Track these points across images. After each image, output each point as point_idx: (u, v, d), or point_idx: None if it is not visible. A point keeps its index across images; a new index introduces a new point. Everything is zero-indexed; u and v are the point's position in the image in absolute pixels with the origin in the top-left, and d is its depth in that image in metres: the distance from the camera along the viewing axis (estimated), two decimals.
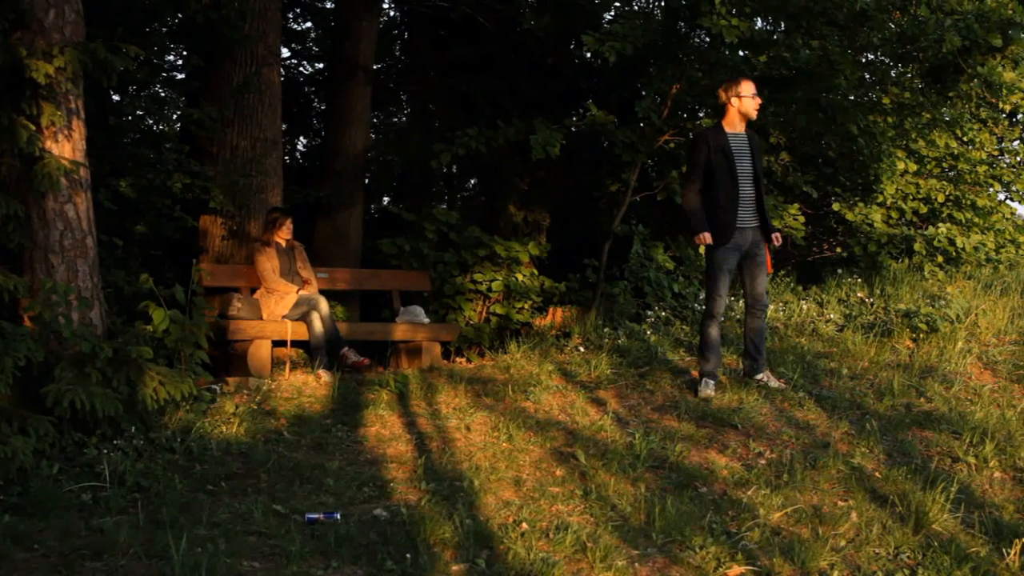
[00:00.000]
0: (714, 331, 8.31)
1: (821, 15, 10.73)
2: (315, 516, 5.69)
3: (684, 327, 10.38)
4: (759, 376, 8.45)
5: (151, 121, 11.57)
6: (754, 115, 8.24)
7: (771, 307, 10.76)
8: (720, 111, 8.48)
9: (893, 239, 13.12)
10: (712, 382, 8.28)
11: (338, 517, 5.69)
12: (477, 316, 11.62)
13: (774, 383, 8.41)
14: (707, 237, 8.16)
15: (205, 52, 10.55)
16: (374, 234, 12.56)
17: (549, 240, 13.45)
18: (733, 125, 8.23)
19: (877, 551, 5.65)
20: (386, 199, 18.09)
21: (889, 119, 12.83)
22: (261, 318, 9.41)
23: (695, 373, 8.61)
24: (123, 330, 7.35)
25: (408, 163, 14.57)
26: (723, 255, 8.18)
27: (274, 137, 10.73)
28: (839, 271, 12.69)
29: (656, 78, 11.88)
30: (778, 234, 8.41)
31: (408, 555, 5.14)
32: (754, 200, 8.18)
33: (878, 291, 11.35)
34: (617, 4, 13.05)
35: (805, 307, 10.77)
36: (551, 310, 11.83)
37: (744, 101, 8.18)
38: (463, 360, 10.86)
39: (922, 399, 8.34)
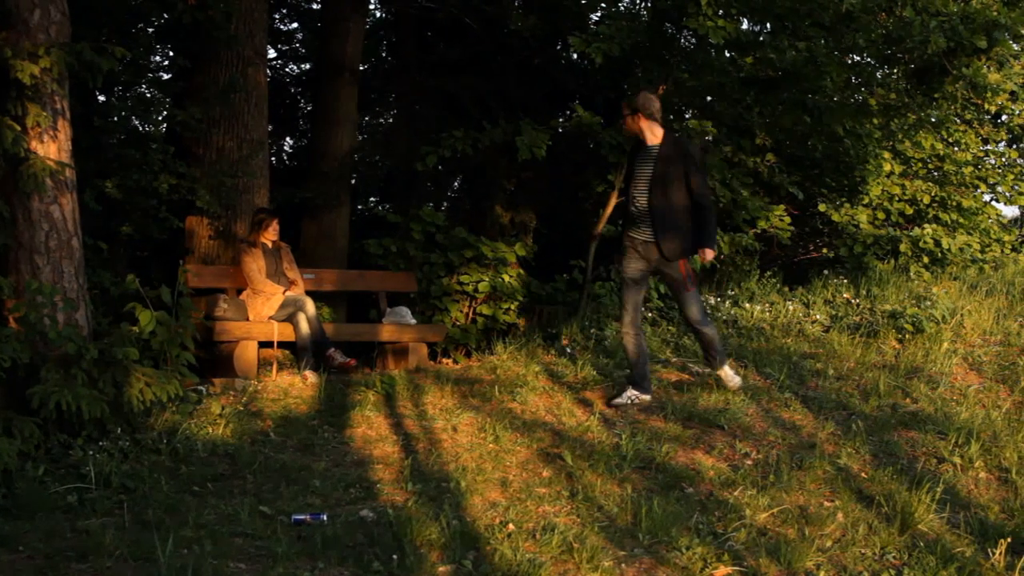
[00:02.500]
0: (627, 342, 8.04)
1: (807, 16, 10.75)
2: (302, 517, 5.69)
3: (671, 327, 10.40)
4: (718, 372, 8.31)
5: (137, 122, 11.51)
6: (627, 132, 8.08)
7: (758, 308, 10.77)
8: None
9: (879, 240, 13.17)
10: (636, 393, 8.07)
11: (324, 518, 5.69)
12: (464, 317, 11.62)
13: (733, 381, 8.30)
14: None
15: (191, 53, 10.52)
16: (360, 235, 12.54)
17: (535, 241, 13.45)
18: (645, 136, 7.92)
19: (863, 551, 5.67)
20: (372, 200, 18.07)
21: (875, 120, 12.86)
22: (247, 319, 9.40)
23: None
24: (109, 331, 7.33)
25: (394, 164, 14.55)
26: (624, 263, 8.07)
27: (260, 138, 10.71)
28: (825, 272, 12.73)
29: (643, 79, 11.89)
30: (707, 250, 7.85)
31: (394, 556, 5.14)
32: (648, 214, 7.84)
33: (864, 292, 11.38)
34: (603, 5, 13.06)
35: (791, 308, 10.80)
36: (537, 311, 11.83)
37: None
38: (449, 361, 10.87)
39: (908, 400, 8.36)
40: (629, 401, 8.02)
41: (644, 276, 8.05)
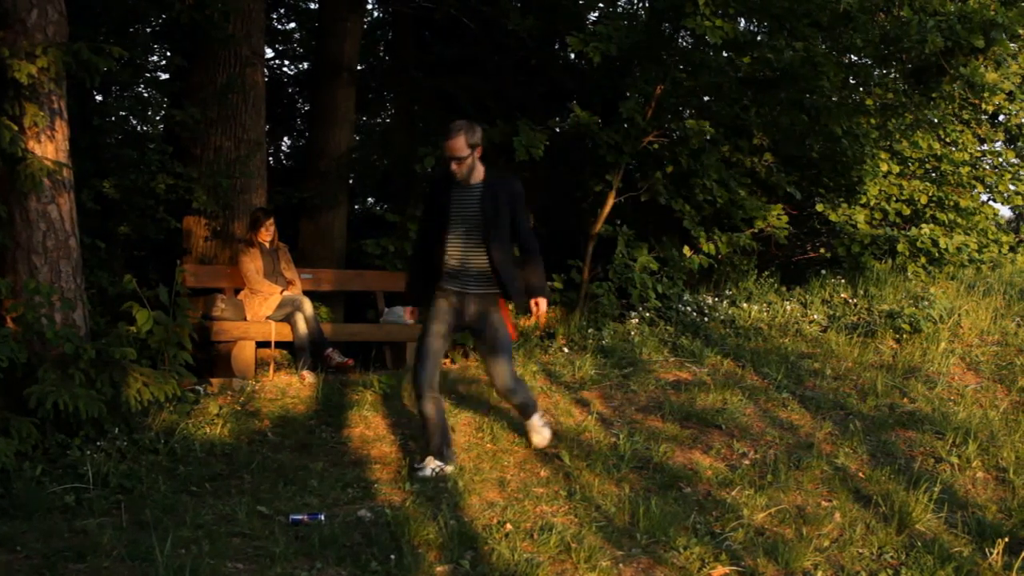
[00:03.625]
0: (427, 408, 6.75)
1: (804, 16, 10.76)
2: (299, 517, 5.68)
3: (668, 328, 10.40)
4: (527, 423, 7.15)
5: (134, 122, 11.52)
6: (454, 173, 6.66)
7: (755, 307, 10.76)
8: None
9: (876, 240, 13.17)
10: (440, 464, 6.70)
11: (322, 518, 5.69)
12: None
13: (541, 435, 7.14)
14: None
15: (189, 53, 10.53)
16: (358, 235, 12.53)
17: None
18: (473, 174, 6.74)
19: (861, 551, 5.67)
20: (370, 200, 18.07)
21: (872, 120, 12.87)
22: (245, 319, 9.39)
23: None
24: (106, 331, 7.33)
25: (392, 164, 14.54)
26: (428, 316, 6.87)
27: (258, 138, 10.71)
28: (823, 272, 12.73)
29: (640, 79, 11.88)
30: (541, 300, 6.76)
31: (392, 556, 5.14)
32: (463, 263, 6.74)
33: (861, 292, 11.38)
34: (601, 5, 13.07)
35: (789, 308, 10.80)
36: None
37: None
38: (447, 361, 10.85)
39: (905, 399, 8.37)
40: (433, 473, 6.63)
41: (448, 333, 6.86)
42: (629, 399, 8.35)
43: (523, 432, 7.45)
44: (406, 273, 6.81)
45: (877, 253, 13.16)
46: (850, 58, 12.29)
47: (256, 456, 6.87)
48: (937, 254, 13.00)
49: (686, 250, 12.04)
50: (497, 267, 6.69)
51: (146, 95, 12.54)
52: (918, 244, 12.99)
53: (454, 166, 6.61)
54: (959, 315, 10.27)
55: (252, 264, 9.50)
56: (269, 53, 16.25)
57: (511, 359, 6.92)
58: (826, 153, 13.20)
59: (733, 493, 6.41)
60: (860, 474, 6.84)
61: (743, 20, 11.68)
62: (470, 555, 5.25)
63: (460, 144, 6.58)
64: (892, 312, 10.08)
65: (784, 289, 11.91)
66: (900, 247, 12.97)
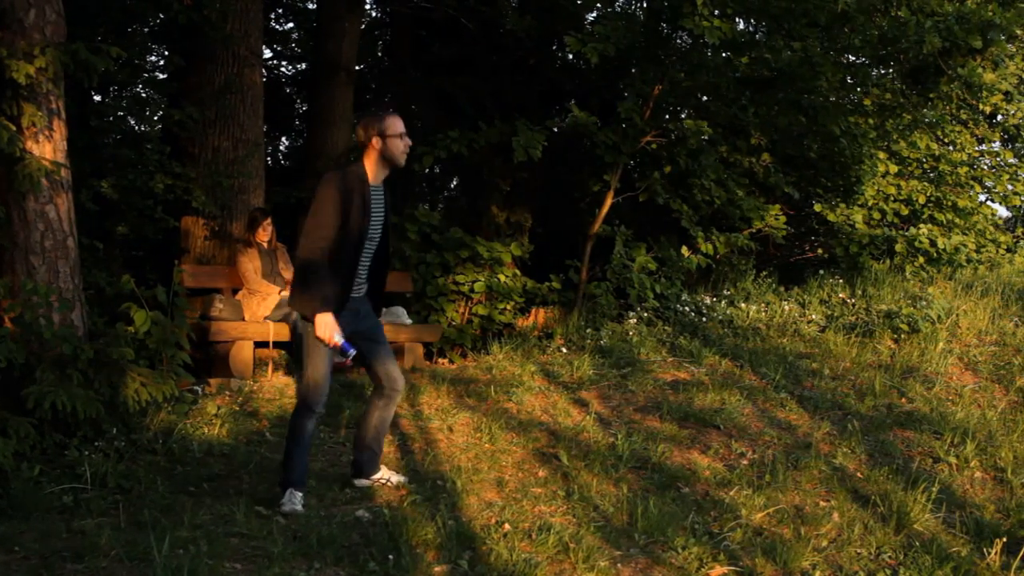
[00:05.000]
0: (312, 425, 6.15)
1: (802, 16, 10.77)
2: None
3: (666, 328, 10.40)
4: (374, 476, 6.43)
5: (132, 122, 11.50)
6: (402, 161, 5.99)
7: (754, 307, 10.77)
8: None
9: (875, 240, 13.19)
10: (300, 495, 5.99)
11: (352, 352, 5.81)
12: (459, 317, 11.61)
13: (395, 479, 6.42)
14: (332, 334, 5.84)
15: (187, 53, 10.51)
16: None
17: (531, 241, 13.46)
18: (373, 173, 5.99)
19: (859, 551, 5.67)
20: None
21: (870, 120, 12.88)
22: (243, 319, 9.39)
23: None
24: (105, 331, 7.31)
25: None
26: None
27: (256, 138, 10.69)
28: (821, 272, 12.74)
29: (638, 79, 11.89)
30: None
31: (391, 556, 5.13)
32: (368, 267, 6.12)
33: (860, 292, 11.39)
34: (599, 5, 13.07)
35: (787, 308, 10.80)
36: (533, 311, 11.84)
37: (391, 141, 5.89)
38: (445, 361, 10.86)
39: (903, 399, 8.37)
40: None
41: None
42: (627, 399, 8.35)
43: (521, 432, 7.46)
44: (325, 282, 5.80)
45: (875, 253, 13.18)
46: (848, 58, 12.30)
47: (254, 456, 6.86)
48: (935, 254, 13.02)
49: (684, 250, 12.05)
50: (375, 271, 6.17)
51: (144, 95, 12.52)
52: (916, 244, 13.01)
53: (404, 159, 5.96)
54: (957, 315, 10.28)
55: (250, 264, 9.49)
56: (267, 53, 16.26)
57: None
58: (824, 153, 13.22)
59: (731, 493, 6.41)
60: (858, 474, 6.85)
61: (741, 20, 11.69)
62: (468, 555, 5.25)
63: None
64: (890, 312, 10.09)
65: (782, 289, 11.92)
66: (898, 247, 12.98)
